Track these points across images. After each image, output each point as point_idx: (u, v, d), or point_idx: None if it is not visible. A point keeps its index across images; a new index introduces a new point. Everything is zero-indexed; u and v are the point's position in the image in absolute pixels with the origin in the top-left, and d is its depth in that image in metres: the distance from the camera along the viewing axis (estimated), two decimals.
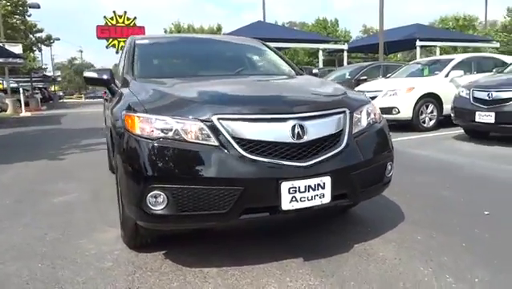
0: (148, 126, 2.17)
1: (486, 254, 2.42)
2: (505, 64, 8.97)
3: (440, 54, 23.39)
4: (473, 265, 2.28)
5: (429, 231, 2.77)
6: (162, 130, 2.14)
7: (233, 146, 2.09)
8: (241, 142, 2.10)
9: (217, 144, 2.09)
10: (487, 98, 5.98)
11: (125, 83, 2.95)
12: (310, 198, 2.14)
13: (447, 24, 32.78)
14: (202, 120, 2.13)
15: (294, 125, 2.18)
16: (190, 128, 2.13)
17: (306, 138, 2.19)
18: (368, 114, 2.57)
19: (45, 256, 2.60)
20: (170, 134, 2.13)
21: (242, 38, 4.20)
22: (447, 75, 8.20)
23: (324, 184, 2.17)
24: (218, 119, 2.13)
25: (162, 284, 2.17)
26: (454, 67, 8.31)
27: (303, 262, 2.37)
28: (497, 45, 20.29)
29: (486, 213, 3.11)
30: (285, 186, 2.08)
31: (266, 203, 2.14)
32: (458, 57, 8.85)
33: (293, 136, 2.16)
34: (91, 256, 2.57)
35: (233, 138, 2.10)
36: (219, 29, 29.98)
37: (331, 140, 2.28)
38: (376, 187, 2.53)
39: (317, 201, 2.17)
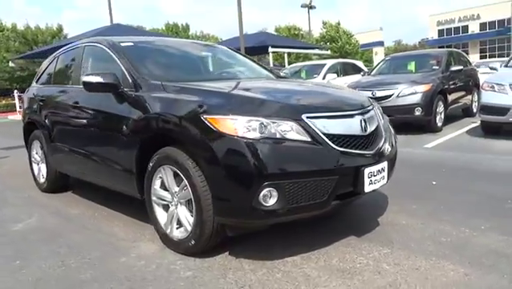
0: (243, 127, 2.22)
1: (467, 209, 3.22)
2: (357, 67, 10.93)
3: (276, 59, 26.13)
4: (467, 218, 3.03)
5: (416, 201, 3.46)
6: (258, 130, 2.22)
7: (325, 140, 2.32)
8: (329, 137, 2.36)
9: (309, 139, 2.30)
10: (372, 96, 7.31)
11: (150, 88, 2.78)
12: (378, 180, 2.54)
13: (281, 33, 36.77)
14: (294, 120, 2.30)
15: (361, 120, 2.55)
16: (285, 127, 2.27)
17: (368, 130, 2.58)
18: (379, 109, 3.10)
19: (99, 281, 2.32)
20: (267, 133, 2.23)
21: (207, 43, 4.25)
22: (324, 78, 9.54)
23: (384, 168, 2.60)
24: (307, 117, 2.34)
25: (267, 278, 2.25)
26: (327, 71, 9.73)
27: (358, 239, 2.74)
28: (329, 52, 23.95)
29: (434, 183, 4.03)
30: (366, 172, 2.43)
31: (349, 188, 2.45)
32: (329, 62, 10.38)
33: (361, 129, 2.53)
34: (156, 271, 2.40)
35: (323, 134, 2.34)
36: (60, 30, 26.94)
37: (377, 131, 2.72)
38: (393, 169, 3.08)
39: (381, 183, 2.58)
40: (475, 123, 8.12)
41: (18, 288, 2.31)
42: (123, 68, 3.03)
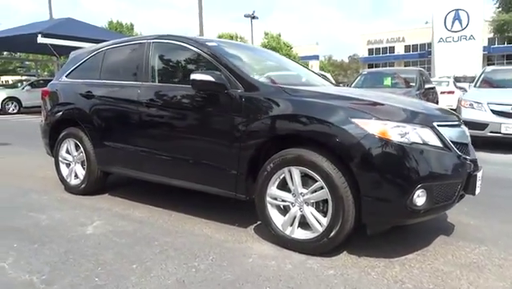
0: (393, 131, 2.39)
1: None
2: (327, 79, 11.51)
3: None
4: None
5: (462, 204, 3.83)
6: (406, 135, 2.40)
7: (452, 147, 2.57)
8: (453, 143, 2.61)
9: (441, 145, 2.53)
10: None
11: (268, 90, 2.83)
12: (480, 186, 2.83)
13: None
14: (429, 126, 2.52)
15: (465, 129, 2.84)
16: (425, 133, 2.47)
17: (469, 139, 2.88)
18: None
19: (249, 280, 2.31)
20: (413, 138, 2.41)
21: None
22: None
23: (481, 175, 2.90)
24: (437, 125, 2.57)
25: (408, 274, 2.40)
26: None
27: (449, 237, 3.01)
28: None
29: None
30: (478, 176, 2.71)
31: (461, 191, 2.70)
32: None
33: (466, 137, 2.83)
34: (296, 270, 2.44)
35: (450, 140, 2.58)
36: None
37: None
38: None
39: (480, 187, 2.88)
40: None
41: None
42: (222, 68, 3.02)
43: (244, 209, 3.46)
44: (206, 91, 2.97)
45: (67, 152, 4.19)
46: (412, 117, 2.54)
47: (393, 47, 49.82)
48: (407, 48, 48.86)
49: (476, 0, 39.29)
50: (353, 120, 2.44)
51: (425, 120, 2.56)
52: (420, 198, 2.37)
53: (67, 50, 18.00)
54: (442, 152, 2.51)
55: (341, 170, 2.47)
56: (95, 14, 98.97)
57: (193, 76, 2.87)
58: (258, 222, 3.19)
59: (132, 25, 34.24)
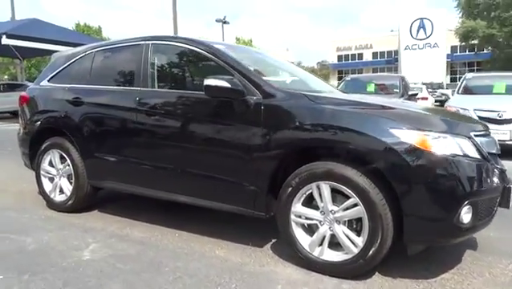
0: (435, 142, 2.20)
1: None
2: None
3: None
4: None
5: None
6: (449, 146, 2.22)
7: (489, 158, 2.41)
8: (489, 154, 2.45)
9: (480, 157, 2.36)
10: None
11: (289, 97, 2.59)
12: None
13: None
14: (467, 137, 2.35)
15: (496, 139, 2.70)
16: (464, 144, 2.30)
17: (498, 148, 2.74)
18: None
19: None
20: (454, 150, 2.23)
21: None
22: None
23: None
24: (474, 135, 2.41)
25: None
26: None
27: (477, 252, 2.84)
28: None
29: None
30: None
31: (497, 206, 2.54)
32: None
33: (497, 148, 2.68)
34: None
35: (487, 152, 2.43)
36: None
37: None
38: None
39: None
40: None
41: None
42: (235, 73, 2.75)
43: (253, 226, 3.20)
44: (220, 98, 2.69)
45: (51, 164, 3.77)
46: (451, 127, 2.37)
47: (362, 54, 50.84)
48: (374, 55, 49.99)
49: (439, 10, 40.97)
50: (392, 130, 2.23)
51: (463, 130, 2.40)
52: (466, 215, 2.19)
53: (32, 52, 17.20)
54: (482, 165, 2.34)
55: (378, 186, 2.26)
56: (59, 18, 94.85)
57: (207, 82, 2.59)
58: (274, 240, 2.95)
59: (100, 28, 33.30)
